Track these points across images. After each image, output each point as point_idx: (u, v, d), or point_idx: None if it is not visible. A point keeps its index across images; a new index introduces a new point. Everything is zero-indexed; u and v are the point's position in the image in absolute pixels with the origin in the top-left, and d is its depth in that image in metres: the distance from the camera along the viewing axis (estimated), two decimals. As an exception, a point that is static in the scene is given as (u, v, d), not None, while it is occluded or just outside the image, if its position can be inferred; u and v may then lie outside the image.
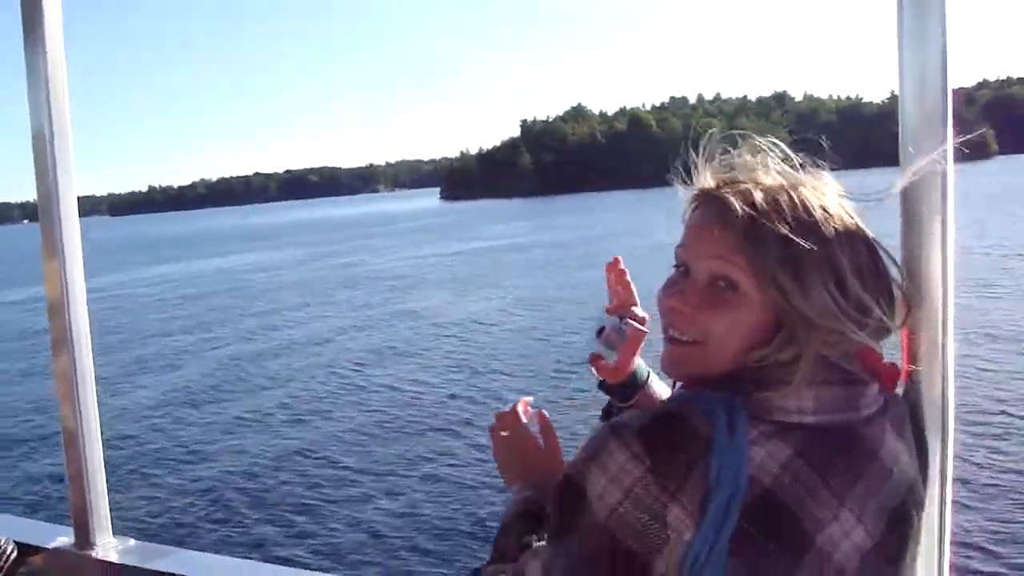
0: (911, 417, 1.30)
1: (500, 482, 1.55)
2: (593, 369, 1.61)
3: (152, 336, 27.12)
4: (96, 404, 2.42)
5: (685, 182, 1.33)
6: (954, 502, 1.37)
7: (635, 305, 1.61)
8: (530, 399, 1.64)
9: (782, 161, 1.28)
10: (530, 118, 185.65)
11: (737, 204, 1.20)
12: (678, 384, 1.33)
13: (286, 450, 14.33)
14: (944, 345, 1.32)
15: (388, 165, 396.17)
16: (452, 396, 16.54)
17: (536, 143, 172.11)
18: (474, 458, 12.91)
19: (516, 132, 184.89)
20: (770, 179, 1.26)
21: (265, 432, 15.54)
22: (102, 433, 2.44)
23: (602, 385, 1.63)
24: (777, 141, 1.30)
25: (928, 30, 1.29)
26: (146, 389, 19.53)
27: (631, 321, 1.59)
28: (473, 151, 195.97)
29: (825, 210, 1.21)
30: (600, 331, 1.59)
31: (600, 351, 1.59)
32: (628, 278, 1.64)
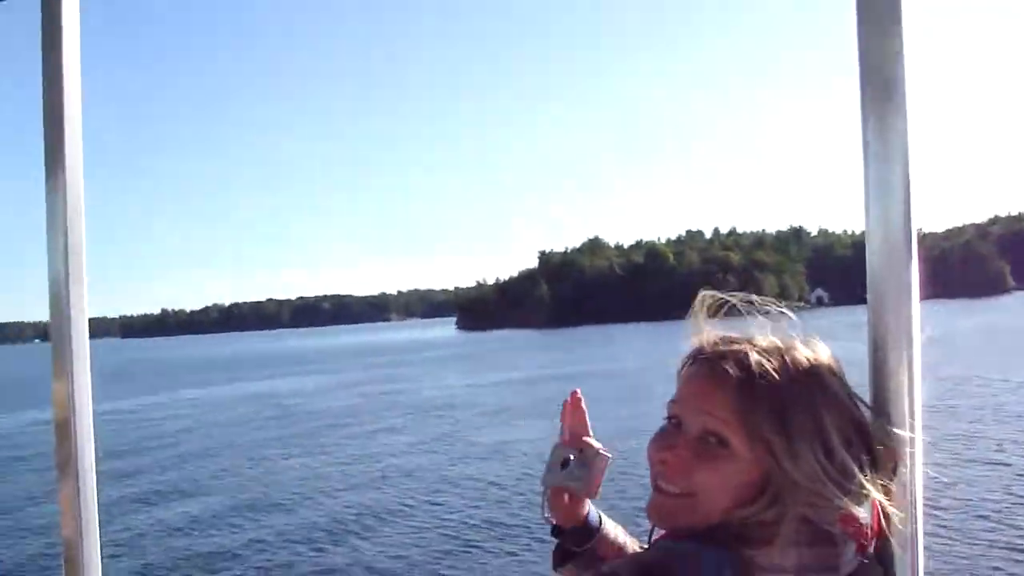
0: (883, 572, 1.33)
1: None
2: (550, 509, 1.64)
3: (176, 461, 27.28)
4: (98, 529, 2.43)
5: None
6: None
7: (588, 436, 1.66)
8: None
9: (781, 314, 1.36)
10: (547, 249, 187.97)
11: (733, 366, 1.27)
12: (655, 531, 1.38)
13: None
14: (914, 499, 1.35)
15: (400, 294, 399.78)
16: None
17: (553, 274, 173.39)
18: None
19: (533, 263, 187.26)
20: (765, 341, 1.33)
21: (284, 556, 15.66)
22: (104, 557, 2.45)
23: (555, 531, 1.65)
24: (772, 300, 1.38)
25: (891, 176, 1.37)
26: (152, 516, 19.45)
27: (594, 448, 1.64)
28: (488, 281, 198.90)
29: (817, 375, 1.28)
30: (566, 462, 1.63)
31: (564, 482, 1.62)
32: (584, 408, 1.69)
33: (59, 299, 2.41)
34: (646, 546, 1.39)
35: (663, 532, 1.34)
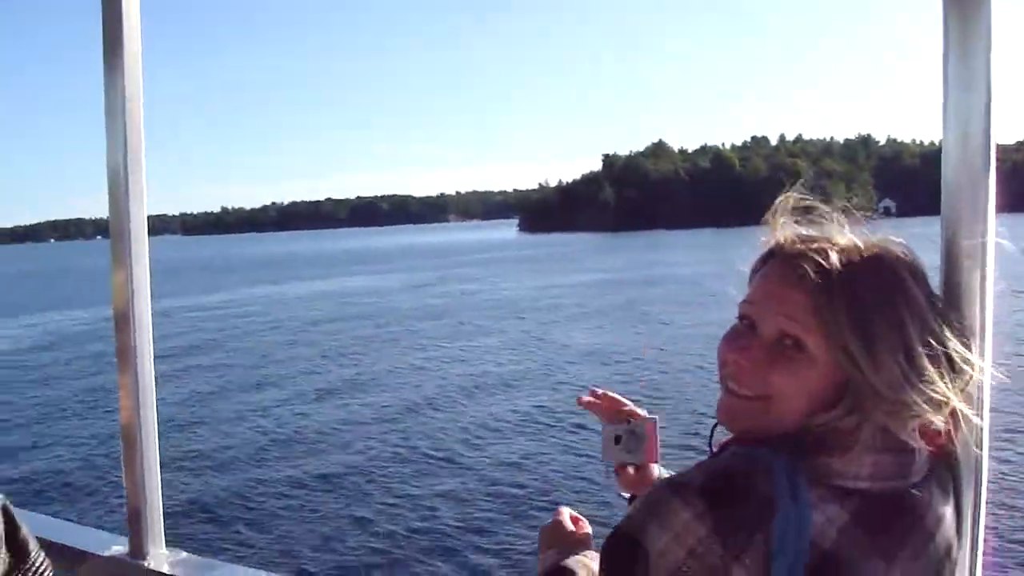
0: (952, 479, 1.33)
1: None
2: (619, 484, 1.68)
3: (232, 355, 28.01)
4: (156, 417, 2.53)
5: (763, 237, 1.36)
6: (986, 559, 1.40)
7: (626, 406, 1.69)
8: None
9: (859, 219, 1.30)
10: (611, 152, 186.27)
11: (811, 266, 1.22)
12: (716, 435, 1.36)
13: (352, 476, 14.64)
14: (981, 402, 1.33)
15: (458, 195, 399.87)
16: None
17: (617, 178, 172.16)
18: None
19: (595, 166, 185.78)
20: (845, 240, 1.27)
21: (332, 458, 15.81)
22: (161, 445, 2.56)
23: (631, 502, 1.67)
24: (851, 199, 1.32)
25: (972, 91, 1.32)
26: (209, 405, 20.06)
27: (641, 418, 1.67)
28: (551, 184, 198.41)
29: (899, 276, 1.23)
30: (617, 439, 1.65)
31: (623, 458, 1.65)
32: (608, 393, 1.71)
33: (117, 187, 2.45)
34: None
35: (729, 437, 1.32)
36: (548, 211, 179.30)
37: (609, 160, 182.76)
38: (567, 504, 1.67)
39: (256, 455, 16.02)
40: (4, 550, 2.02)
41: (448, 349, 27.76)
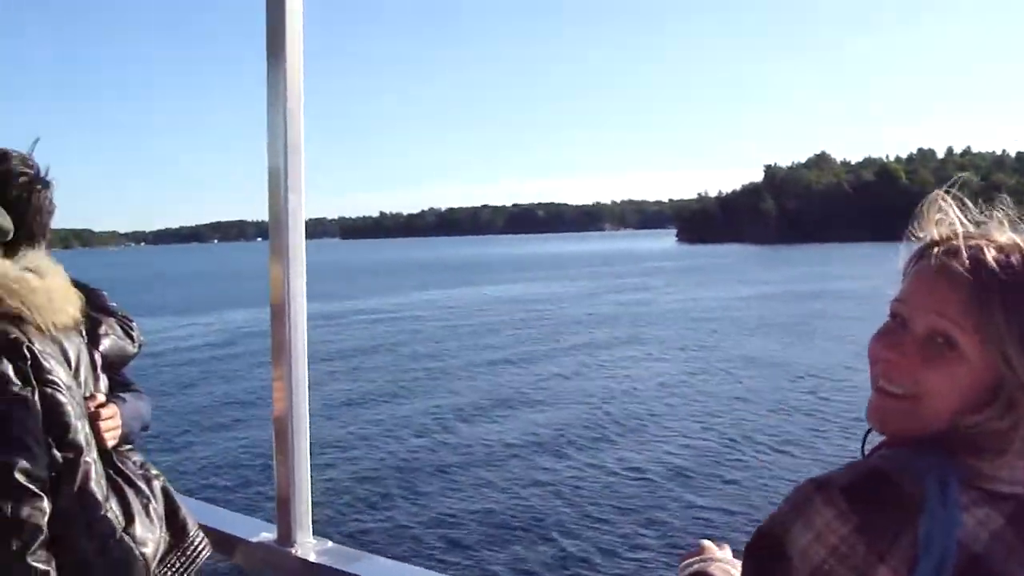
0: None
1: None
2: None
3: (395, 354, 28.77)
4: (307, 409, 2.62)
5: (912, 235, 1.32)
6: None
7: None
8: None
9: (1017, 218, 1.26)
10: (773, 163, 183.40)
11: (966, 262, 1.19)
12: (868, 440, 1.32)
13: (503, 478, 14.81)
14: None
15: (613, 204, 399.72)
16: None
17: (779, 189, 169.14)
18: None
19: (755, 177, 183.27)
20: (1005, 238, 1.24)
21: (492, 458, 16.09)
22: (312, 436, 2.64)
23: None
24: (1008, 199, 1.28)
25: None
26: (362, 403, 20.66)
27: None
28: (710, 194, 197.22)
29: None
30: None
31: None
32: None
33: (277, 185, 2.56)
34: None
35: (881, 440, 1.29)
36: (708, 221, 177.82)
37: (771, 171, 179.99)
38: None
39: (405, 452, 16.42)
40: (165, 530, 2.14)
41: (618, 358, 27.68)
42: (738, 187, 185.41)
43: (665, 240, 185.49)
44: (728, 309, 41.59)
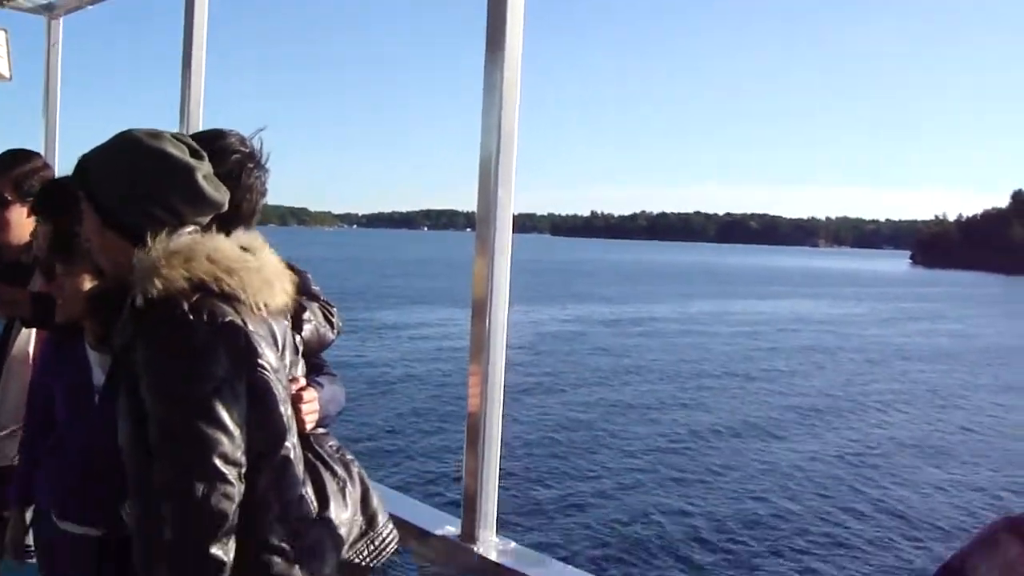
0: None
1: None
2: None
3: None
4: (502, 406, 2.70)
5: None
6: None
7: None
8: None
9: None
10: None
11: None
12: None
13: (717, 499, 14.74)
14: None
15: (828, 220, 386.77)
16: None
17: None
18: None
19: (998, 202, 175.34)
20: None
21: (695, 476, 16.09)
22: (503, 435, 2.73)
23: None
24: None
25: None
26: (558, 410, 20.85)
27: None
28: (948, 216, 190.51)
29: None
30: None
31: None
32: None
33: (488, 177, 2.66)
34: None
35: None
36: (948, 246, 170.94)
37: (1021, 196, 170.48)
38: None
39: (600, 462, 16.48)
40: (360, 514, 2.25)
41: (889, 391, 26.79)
42: (979, 211, 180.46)
43: (896, 262, 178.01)
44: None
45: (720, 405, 22.85)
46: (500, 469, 2.72)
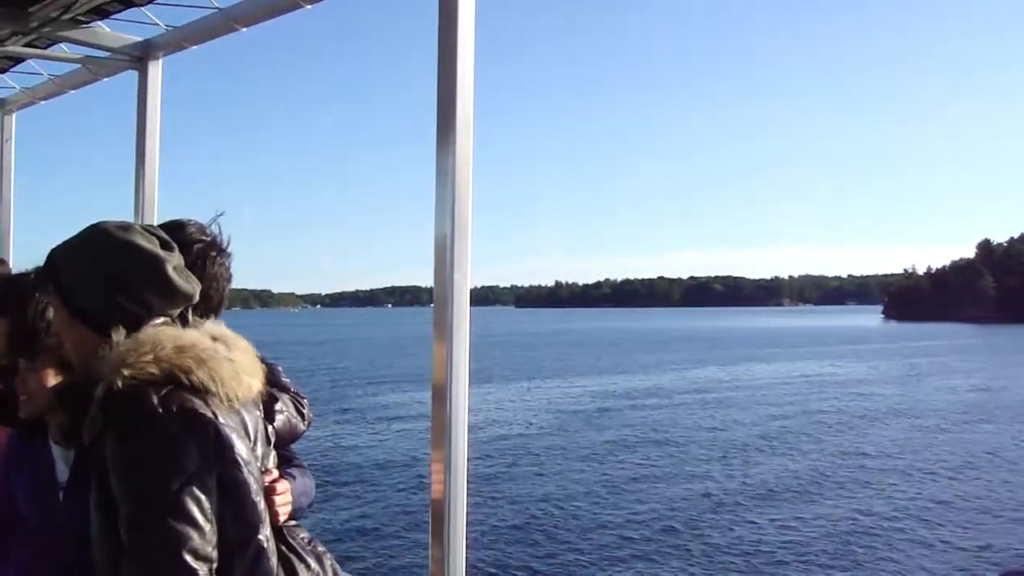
0: None
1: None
2: None
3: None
4: (466, 493, 2.71)
5: None
6: None
7: None
8: None
9: None
10: (991, 239, 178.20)
11: None
12: None
13: None
14: None
15: (791, 278, 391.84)
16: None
17: (998, 265, 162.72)
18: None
19: (963, 252, 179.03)
20: None
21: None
22: (469, 519, 2.72)
23: None
24: None
25: None
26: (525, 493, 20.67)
27: None
28: (917, 269, 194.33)
29: None
30: None
31: None
32: None
33: (443, 260, 2.69)
34: None
35: None
36: (919, 298, 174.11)
37: (988, 247, 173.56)
38: None
39: (571, 544, 16.32)
40: None
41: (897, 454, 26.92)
42: (947, 263, 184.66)
43: (867, 317, 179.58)
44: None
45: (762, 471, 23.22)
46: (465, 560, 2.70)
